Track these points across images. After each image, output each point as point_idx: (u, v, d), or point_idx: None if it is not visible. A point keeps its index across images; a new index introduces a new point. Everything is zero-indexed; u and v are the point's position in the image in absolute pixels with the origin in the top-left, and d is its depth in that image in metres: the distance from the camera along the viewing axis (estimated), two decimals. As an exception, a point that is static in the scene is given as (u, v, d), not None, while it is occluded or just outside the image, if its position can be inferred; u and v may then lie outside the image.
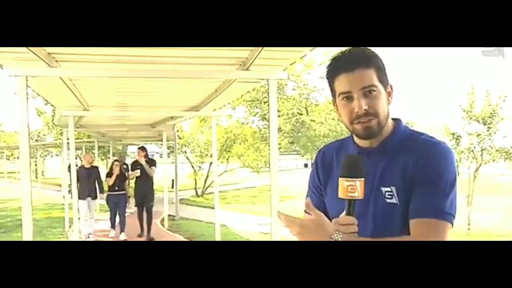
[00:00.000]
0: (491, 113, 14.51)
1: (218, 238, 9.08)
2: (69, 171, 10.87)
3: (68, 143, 11.42)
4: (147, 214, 10.22)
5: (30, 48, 4.19)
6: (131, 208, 10.84)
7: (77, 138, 15.74)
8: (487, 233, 13.45)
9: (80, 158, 15.22)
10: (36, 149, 34.71)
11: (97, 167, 10.73)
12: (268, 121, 5.21)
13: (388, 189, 1.45)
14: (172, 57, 5.09)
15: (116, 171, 10.05)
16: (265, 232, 13.33)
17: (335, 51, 1.55)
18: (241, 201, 25.08)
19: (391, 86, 1.53)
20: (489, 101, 14.61)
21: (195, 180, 27.19)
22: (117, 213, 10.22)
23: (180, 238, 11.06)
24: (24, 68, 4.86)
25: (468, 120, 14.81)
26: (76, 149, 14.14)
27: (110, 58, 5.17)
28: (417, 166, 1.42)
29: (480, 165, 14.95)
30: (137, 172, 9.98)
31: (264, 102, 21.67)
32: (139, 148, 10.37)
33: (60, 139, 21.69)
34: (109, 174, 10.17)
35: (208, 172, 26.38)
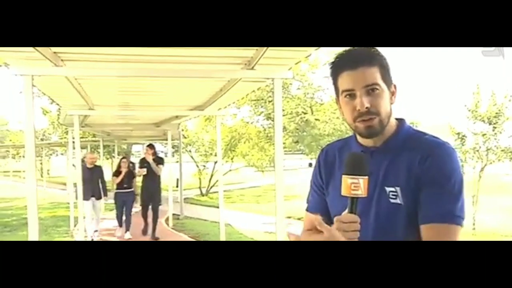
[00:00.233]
0: (496, 113, 14.47)
1: (222, 237, 9.08)
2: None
3: (73, 142, 11.43)
4: (153, 213, 9.99)
5: (36, 47, 4.20)
6: (137, 207, 10.75)
7: (82, 137, 15.78)
8: (492, 233, 13.43)
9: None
10: (42, 148, 34.80)
11: (100, 167, 10.60)
12: (273, 121, 5.22)
13: (393, 189, 1.44)
14: (177, 56, 5.10)
15: (124, 168, 9.99)
16: (269, 231, 13.36)
17: (339, 50, 1.55)
18: (246, 201, 25.12)
19: (394, 86, 1.52)
20: (494, 100, 14.57)
21: (200, 179, 27.24)
22: (124, 211, 10.14)
23: (184, 237, 11.08)
24: (30, 67, 4.88)
25: (473, 120, 14.78)
26: (82, 148, 14.18)
27: (116, 58, 5.18)
28: (422, 168, 1.42)
29: (485, 165, 14.91)
30: (144, 171, 9.76)
31: (269, 101, 21.69)
32: (147, 146, 10.12)
33: (65, 138, 21.80)
34: (117, 172, 10.08)
35: (212, 171, 26.42)
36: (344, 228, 1.33)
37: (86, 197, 9.38)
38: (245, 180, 32.90)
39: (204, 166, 27.24)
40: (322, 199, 1.63)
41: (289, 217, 14.02)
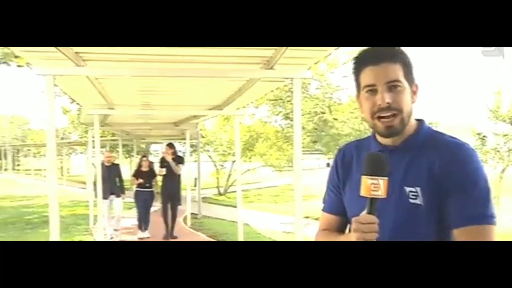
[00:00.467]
0: (518, 113, 14.28)
1: (241, 236, 9.09)
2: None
3: (93, 141, 11.54)
4: (172, 213, 9.90)
5: (58, 47, 4.25)
6: (156, 205, 10.76)
7: (101, 136, 15.94)
8: (514, 234, 13.25)
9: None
10: (62, 147, 35.25)
11: (118, 165, 10.56)
12: (291, 120, 5.21)
13: (413, 189, 1.43)
14: (196, 55, 5.13)
15: (146, 167, 10.00)
16: (287, 231, 13.35)
17: (359, 50, 1.54)
18: (263, 200, 25.15)
19: (416, 86, 1.51)
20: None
21: (217, 178, 27.33)
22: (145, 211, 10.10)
23: (203, 236, 11.13)
24: (52, 67, 4.95)
25: (494, 120, 14.59)
26: (101, 147, 14.33)
27: (136, 57, 5.22)
28: (445, 171, 1.40)
29: (506, 165, 14.71)
30: (163, 171, 9.67)
31: (287, 101, 21.64)
32: (166, 145, 10.03)
33: (85, 137, 22.03)
34: (137, 171, 10.06)
35: (230, 171, 26.48)
36: (362, 229, 1.33)
37: (104, 196, 9.35)
38: (262, 179, 32.92)
39: (222, 165, 27.33)
40: (339, 199, 1.62)
41: (307, 217, 13.99)
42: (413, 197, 1.42)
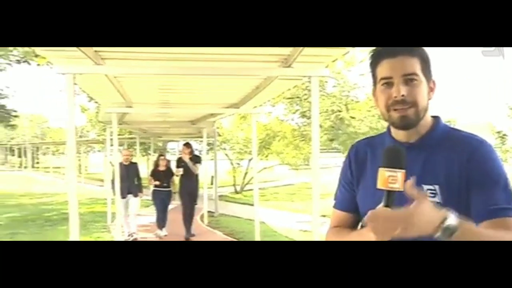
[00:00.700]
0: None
1: (257, 235, 9.09)
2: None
3: (111, 139, 11.62)
4: (189, 211, 9.95)
5: (79, 47, 4.29)
6: (174, 203, 10.79)
7: (119, 134, 16.06)
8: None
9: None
10: (80, 145, 35.61)
11: (136, 164, 10.46)
12: (308, 118, 5.21)
13: (431, 187, 1.41)
14: (214, 54, 5.14)
15: (163, 166, 10.01)
16: (304, 229, 13.32)
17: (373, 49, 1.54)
18: (280, 198, 25.12)
19: (433, 82, 1.50)
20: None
21: (234, 177, 27.38)
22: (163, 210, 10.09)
23: (219, 234, 11.18)
24: (72, 66, 4.99)
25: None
26: (119, 145, 14.44)
27: (154, 56, 5.25)
28: (470, 166, 1.40)
29: (527, 164, 14.54)
30: (181, 171, 9.65)
31: (304, 99, 21.59)
32: (183, 145, 10.04)
33: (103, 135, 22.25)
34: (155, 170, 10.06)
35: (246, 169, 26.51)
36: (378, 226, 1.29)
37: (122, 195, 9.36)
38: (279, 178, 32.88)
39: (238, 163, 27.37)
40: (351, 196, 1.61)
41: (324, 216, 13.95)
42: (432, 195, 1.40)
